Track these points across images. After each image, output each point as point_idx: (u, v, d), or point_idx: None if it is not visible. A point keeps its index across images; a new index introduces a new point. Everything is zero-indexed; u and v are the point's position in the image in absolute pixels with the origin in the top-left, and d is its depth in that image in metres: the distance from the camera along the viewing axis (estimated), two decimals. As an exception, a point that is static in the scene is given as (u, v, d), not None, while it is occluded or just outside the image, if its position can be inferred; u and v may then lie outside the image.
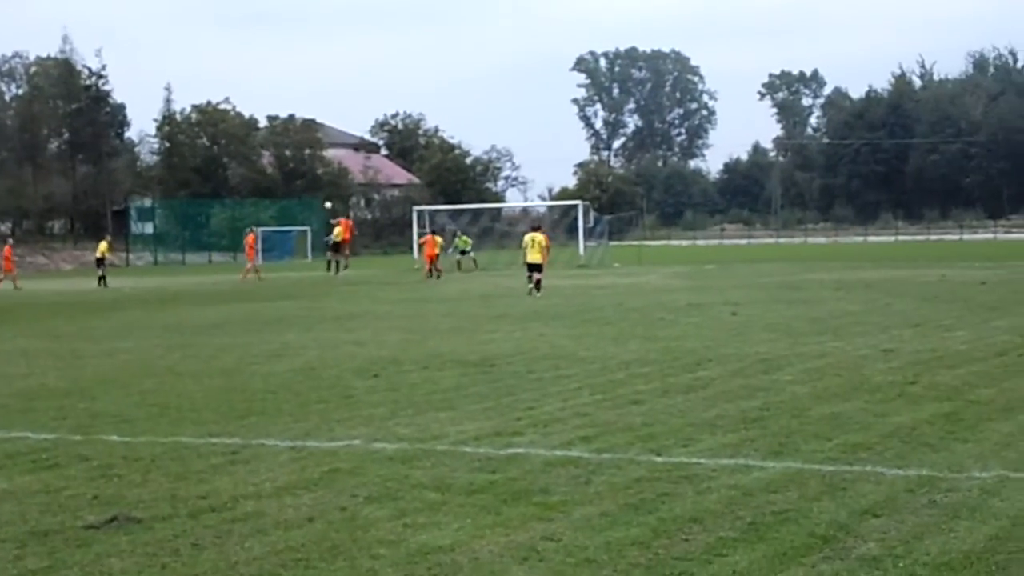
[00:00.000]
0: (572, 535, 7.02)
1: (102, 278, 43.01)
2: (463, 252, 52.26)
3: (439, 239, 45.69)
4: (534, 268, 30.92)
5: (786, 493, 7.89)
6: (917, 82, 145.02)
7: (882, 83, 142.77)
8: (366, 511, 7.72)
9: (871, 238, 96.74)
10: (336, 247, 46.17)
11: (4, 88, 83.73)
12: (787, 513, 7.38)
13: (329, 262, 45.20)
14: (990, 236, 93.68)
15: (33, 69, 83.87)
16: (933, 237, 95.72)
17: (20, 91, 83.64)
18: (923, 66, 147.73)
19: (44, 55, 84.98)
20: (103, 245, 45.41)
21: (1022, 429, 9.96)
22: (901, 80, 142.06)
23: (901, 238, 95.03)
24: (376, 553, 6.76)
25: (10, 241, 46.43)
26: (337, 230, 47.05)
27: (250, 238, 48.80)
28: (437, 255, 43.87)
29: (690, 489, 8.08)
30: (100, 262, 44.22)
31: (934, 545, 6.66)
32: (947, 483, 8.06)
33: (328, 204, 58.01)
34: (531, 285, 30.50)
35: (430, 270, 43.01)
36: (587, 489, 8.18)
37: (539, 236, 31.76)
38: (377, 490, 8.28)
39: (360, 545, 6.93)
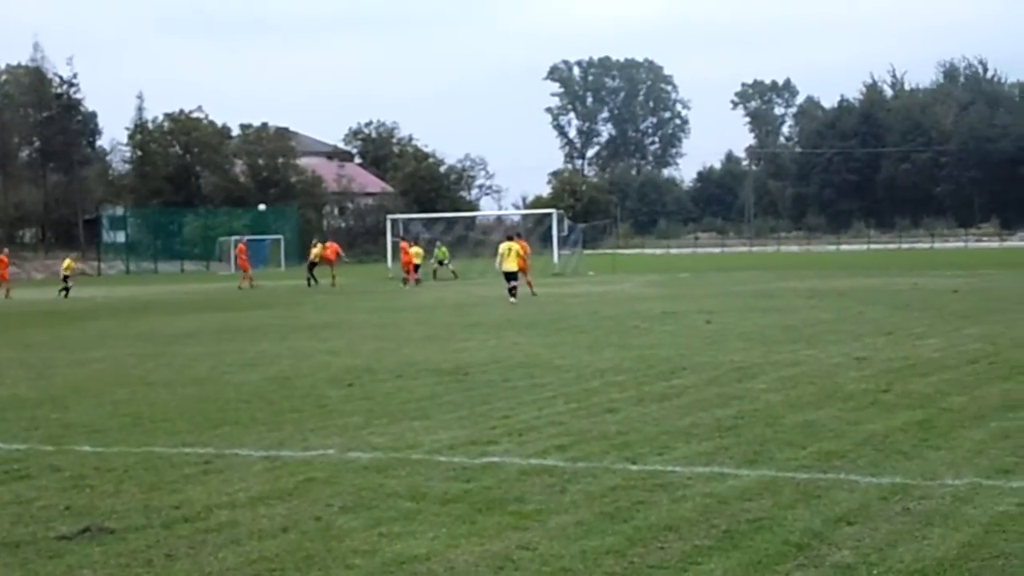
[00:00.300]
0: (547, 544, 7.02)
1: (66, 290, 42.16)
2: (440, 263, 52.18)
3: (417, 249, 45.50)
4: (510, 276, 31.03)
5: (760, 501, 7.91)
6: (888, 91, 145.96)
7: (854, 92, 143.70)
8: (341, 521, 7.69)
9: (843, 247, 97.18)
10: (312, 265, 46.26)
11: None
12: (762, 521, 7.40)
13: (308, 279, 45.32)
14: (961, 244, 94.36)
15: (3, 77, 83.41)
16: (905, 246, 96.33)
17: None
18: (894, 75, 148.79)
19: (15, 63, 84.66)
20: (68, 262, 44.66)
21: (994, 436, 10.02)
22: (872, 89, 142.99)
23: (873, 247, 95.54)
24: (351, 563, 6.74)
25: (5, 250, 45.98)
26: (314, 251, 47.17)
27: (240, 248, 49.07)
28: (416, 264, 44.12)
29: (665, 497, 8.09)
30: (65, 278, 43.58)
31: (908, 552, 6.69)
32: (920, 490, 8.10)
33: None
34: (509, 294, 30.69)
35: (407, 276, 43.72)
36: (562, 498, 8.18)
37: (515, 245, 32.25)
38: (352, 500, 8.26)
39: (335, 555, 6.91)
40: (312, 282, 44.77)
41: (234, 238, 64.44)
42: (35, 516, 8.04)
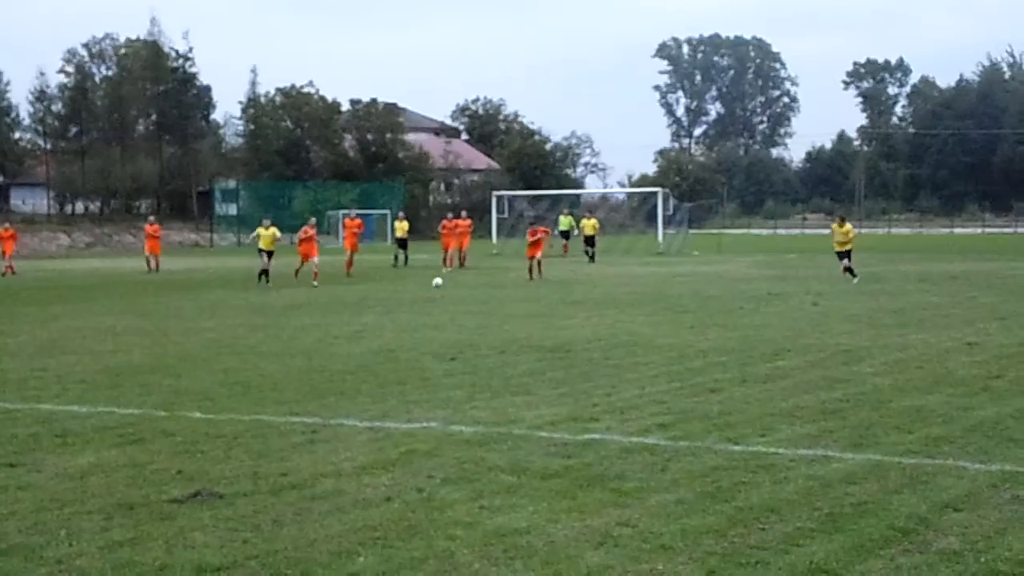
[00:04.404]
0: (648, 521, 7.03)
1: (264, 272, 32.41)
2: (565, 234, 47.34)
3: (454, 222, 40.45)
4: (843, 255, 30.06)
5: (865, 485, 7.82)
6: (1006, 72, 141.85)
7: (968, 72, 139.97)
8: (443, 492, 7.79)
9: (957, 230, 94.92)
10: (402, 243, 42.58)
11: (95, 69, 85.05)
12: (866, 505, 7.32)
13: (396, 255, 42.01)
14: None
15: (122, 51, 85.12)
16: (1021, 229, 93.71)
17: (110, 73, 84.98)
18: (1012, 55, 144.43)
19: (133, 37, 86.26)
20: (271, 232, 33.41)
21: (1110, 426, 9.75)
22: (991, 69, 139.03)
23: (988, 230, 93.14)
24: (452, 534, 6.83)
25: (151, 219, 45.20)
26: (397, 224, 43.80)
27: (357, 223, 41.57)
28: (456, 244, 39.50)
29: (767, 479, 8.04)
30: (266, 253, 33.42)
31: (1016, 541, 6.56)
32: (1031, 479, 7.94)
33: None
34: (851, 274, 29.36)
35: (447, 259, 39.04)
36: (663, 476, 8.17)
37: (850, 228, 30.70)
38: (454, 472, 8.36)
39: (437, 526, 7.01)
40: (397, 260, 41.38)
41: (342, 212, 64.73)
42: (148, 479, 8.29)
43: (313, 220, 36.74)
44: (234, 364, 14.49)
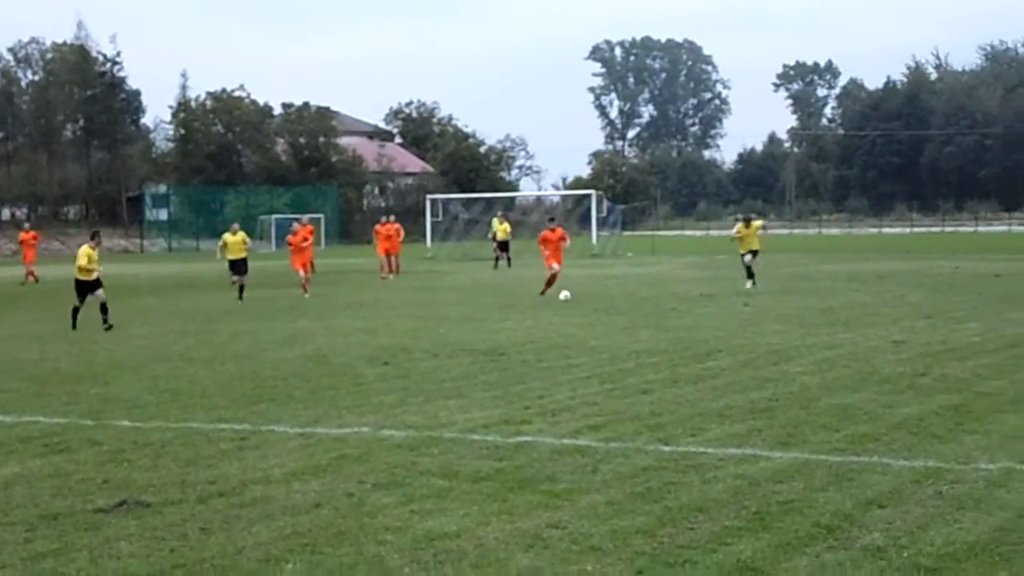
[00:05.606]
0: (577, 523, 7.06)
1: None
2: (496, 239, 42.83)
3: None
4: (751, 254, 27.73)
5: (792, 483, 7.91)
6: (932, 74, 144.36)
7: (896, 74, 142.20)
8: (373, 497, 7.77)
9: (886, 230, 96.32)
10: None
11: (20, 74, 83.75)
12: (793, 503, 7.41)
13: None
14: (1005, 228, 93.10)
15: (49, 55, 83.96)
16: (948, 229, 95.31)
17: (36, 77, 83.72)
18: (938, 58, 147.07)
19: (60, 41, 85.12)
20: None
21: (1031, 421, 9.94)
22: (917, 72, 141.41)
23: (916, 230, 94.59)
24: (382, 539, 6.81)
25: (26, 226, 44.62)
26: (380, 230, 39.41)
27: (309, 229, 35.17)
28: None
29: (696, 478, 8.11)
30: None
31: (939, 536, 6.67)
32: (954, 474, 8.08)
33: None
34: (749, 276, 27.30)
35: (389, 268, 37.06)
36: (594, 478, 8.21)
37: (756, 224, 28.75)
38: (384, 477, 8.33)
39: (367, 531, 6.98)
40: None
41: (275, 216, 63.86)
42: (73, 489, 8.17)
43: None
44: (164, 371, 14.33)
